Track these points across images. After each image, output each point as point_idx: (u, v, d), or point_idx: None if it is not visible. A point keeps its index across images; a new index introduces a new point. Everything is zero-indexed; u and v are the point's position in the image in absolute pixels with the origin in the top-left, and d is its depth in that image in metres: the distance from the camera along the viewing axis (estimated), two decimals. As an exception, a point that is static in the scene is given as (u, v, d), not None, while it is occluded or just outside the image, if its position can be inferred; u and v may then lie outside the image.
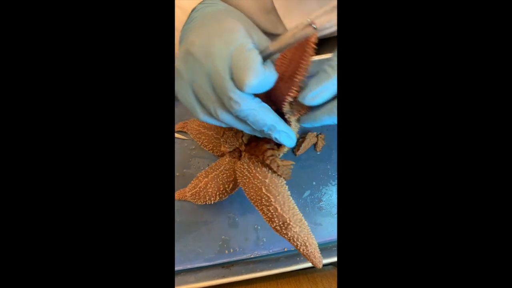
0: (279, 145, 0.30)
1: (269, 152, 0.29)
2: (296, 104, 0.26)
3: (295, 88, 0.24)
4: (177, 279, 0.35)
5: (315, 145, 0.38)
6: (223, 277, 0.34)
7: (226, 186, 0.32)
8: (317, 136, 0.38)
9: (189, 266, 0.35)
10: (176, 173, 0.39)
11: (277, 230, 0.29)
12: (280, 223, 0.28)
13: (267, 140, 0.30)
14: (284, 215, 0.28)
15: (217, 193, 0.33)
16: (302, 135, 0.39)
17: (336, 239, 0.35)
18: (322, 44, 0.47)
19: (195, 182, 0.34)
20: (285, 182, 0.30)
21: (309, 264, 0.34)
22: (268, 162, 0.29)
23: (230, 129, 0.32)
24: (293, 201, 0.29)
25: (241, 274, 0.34)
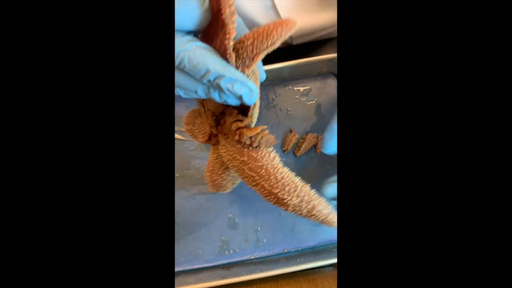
0: (244, 113, 0.25)
1: (234, 126, 0.25)
2: (244, 49, 0.21)
3: (229, 27, 0.19)
4: (177, 280, 0.35)
5: (315, 146, 0.38)
6: (223, 278, 0.34)
7: (226, 174, 0.30)
8: (317, 137, 0.38)
9: (188, 267, 0.35)
10: (176, 174, 0.39)
11: (279, 206, 0.26)
12: (274, 200, 0.25)
13: (230, 111, 0.26)
14: (273, 190, 0.24)
15: (224, 183, 0.30)
16: (303, 136, 0.39)
17: (336, 241, 0.35)
18: (325, 44, 0.47)
19: (206, 178, 0.32)
20: (271, 150, 0.26)
21: (309, 265, 0.34)
22: (236, 137, 0.24)
23: (199, 115, 0.29)
24: (282, 168, 0.25)
25: (241, 275, 0.34)
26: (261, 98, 0.40)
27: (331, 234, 0.36)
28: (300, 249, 0.35)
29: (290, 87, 0.40)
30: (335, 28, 0.45)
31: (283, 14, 0.41)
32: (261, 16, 0.42)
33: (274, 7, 0.41)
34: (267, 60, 0.39)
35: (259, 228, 0.36)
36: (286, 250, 0.35)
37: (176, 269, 0.35)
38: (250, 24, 0.43)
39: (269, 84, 0.40)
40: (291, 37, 0.45)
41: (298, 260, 0.34)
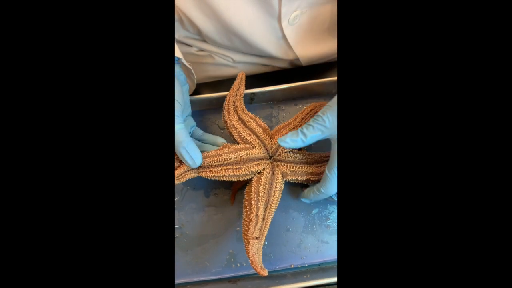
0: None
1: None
2: None
3: None
4: (184, 291, 0.35)
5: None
6: (230, 291, 0.34)
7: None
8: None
9: (195, 279, 0.35)
10: (187, 186, 0.40)
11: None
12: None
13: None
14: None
15: None
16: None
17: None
18: (335, 66, 0.48)
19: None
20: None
21: (315, 282, 0.34)
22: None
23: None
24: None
25: (247, 289, 0.34)
26: (272, 116, 0.41)
27: (337, 251, 0.36)
28: (306, 265, 0.35)
29: (300, 106, 0.41)
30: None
31: (293, 43, 0.43)
32: (273, 46, 0.43)
33: (284, 37, 0.42)
34: (278, 80, 0.40)
35: (266, 242, 0.36)
36: (292, 266, 0.35)
37: (184, 280, 0.36)
38: (263, 53, 0.44)
39: (279, 103, 0.42)
40: (300, 61, 0.46)
41: (305, 276, 0.34)
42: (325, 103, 0.37)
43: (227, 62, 0.48)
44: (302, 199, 0.35)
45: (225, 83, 0.42)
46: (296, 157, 0.35)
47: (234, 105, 0.37)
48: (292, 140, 0.31)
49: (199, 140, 0.38)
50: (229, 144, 0.35)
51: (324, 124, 0.30)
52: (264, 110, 0.41)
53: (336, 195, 0.33)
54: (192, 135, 0.38)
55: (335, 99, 0.31)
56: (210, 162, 0.33)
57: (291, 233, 0.36)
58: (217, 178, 0.34)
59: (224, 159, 0.33)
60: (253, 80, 0.42)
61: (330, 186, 0.31)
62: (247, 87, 0.39)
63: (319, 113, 0.31)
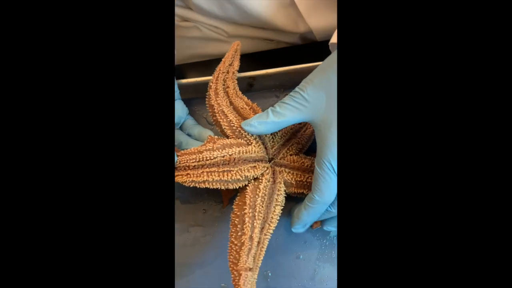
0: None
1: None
2: None
3: None
4: None
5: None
6: None
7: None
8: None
9: (178, 321, 0.30)
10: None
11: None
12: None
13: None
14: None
15: None
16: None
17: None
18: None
19: None
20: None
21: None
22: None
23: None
24: None
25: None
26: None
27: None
28: (323, 303, 0.31)
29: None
30: None
31: (305, 11, 0.39)
32: (278, 15, 0.39)
33: (293, 3, 0.38)
34: (286, 60, 0.36)
35: (270, 273, 0.31)
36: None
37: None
38: (265, 25, 0.41)
39: (287, 90, 0.37)
40: (313, 34, 0.43)
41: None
42: None
43: (218, 36, 0.45)
44: (293, 229, 0.27)
45: (215, 63, 0.36)
46: (304, 163, 0.28)
47: (224, 84, 0.31)
48: (260, 122, 0.25)
49: (188, 134, 0.33)
50: (215, 137, 0.29)
51: (303, 101, 0.25)
52: (267, 99, 0.36)
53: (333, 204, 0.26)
54: (181, 127, 0.32)
55: (318, 68, 0.26)
56: (187, 162, 0.26)
57: (302, 262, 0.31)
58: (197, 185, 0.27)
59: (206, 157, 0.26)
60: (252, 59, 0.38)
61: (325, 187, 0.24)
62: (244, 69, 0.33)
63: (296, 89, 0.26)
